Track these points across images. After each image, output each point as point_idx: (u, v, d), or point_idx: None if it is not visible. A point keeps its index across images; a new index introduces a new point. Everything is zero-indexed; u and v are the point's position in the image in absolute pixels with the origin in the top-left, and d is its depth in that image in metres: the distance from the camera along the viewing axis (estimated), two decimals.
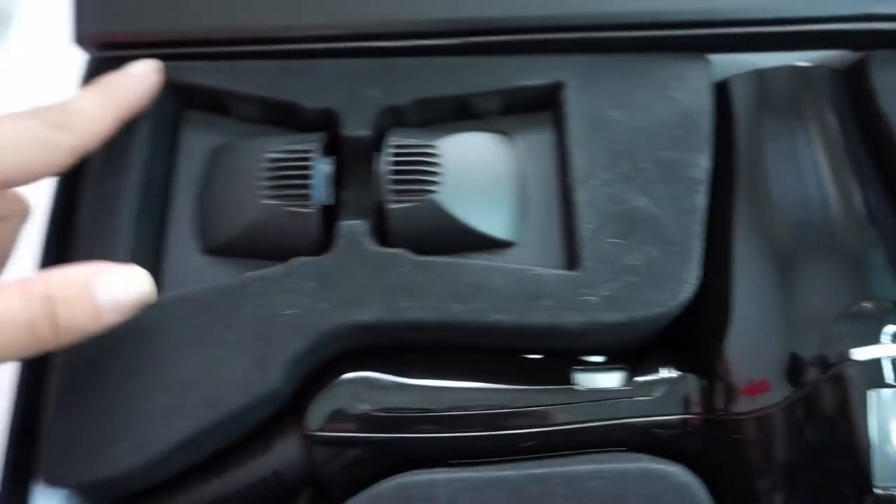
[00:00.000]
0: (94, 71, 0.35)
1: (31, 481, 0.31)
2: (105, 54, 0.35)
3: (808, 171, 0.32)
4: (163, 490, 0.32)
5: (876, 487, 0.26)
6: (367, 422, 0.31)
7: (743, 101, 0.34)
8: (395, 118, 0.35)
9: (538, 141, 0.35)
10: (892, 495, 0.26)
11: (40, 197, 0.33)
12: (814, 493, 0.28)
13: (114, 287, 0.27)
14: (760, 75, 0.34)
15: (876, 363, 0.27)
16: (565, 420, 0.31)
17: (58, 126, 0.29)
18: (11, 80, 0.48)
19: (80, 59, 0.36)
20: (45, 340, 0.26)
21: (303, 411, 0.31)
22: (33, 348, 0.26)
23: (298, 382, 0.32)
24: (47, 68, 0.44)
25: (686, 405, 0.31)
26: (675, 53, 0.34)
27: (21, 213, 0.32)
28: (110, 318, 0.27)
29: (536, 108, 0.35)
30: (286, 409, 0.32)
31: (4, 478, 0.30)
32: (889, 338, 0.28)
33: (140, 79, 0.33)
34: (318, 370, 0.32)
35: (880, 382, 0.27)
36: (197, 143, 0.36)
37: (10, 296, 0.25)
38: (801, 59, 0.34)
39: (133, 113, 0.33)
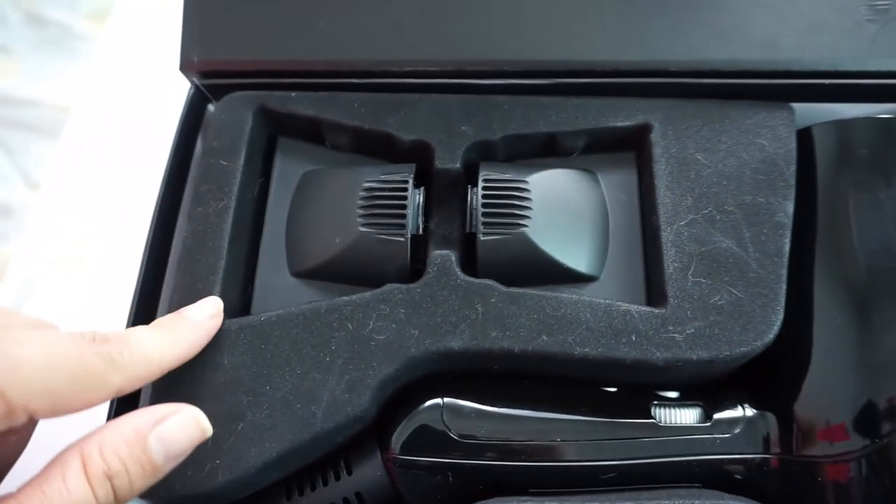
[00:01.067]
0: (197, 97, 0.37)
1: None
2: (207, 82, 0.36)
3: (889, 218, 0.33)
4: None
5: None
6: (451, 447, 0.31)
7: (824, 149, 0.35)
8: (483, 152, 0.36)
9: (621, 179, 0.36)
10: None
11: (142, 219, 0.35)
12: None
13: (170, 439, 0.26)
14: (842, 125, 0.35)
15: None
16: (644, 454, 0.31)
17: (112, 364, 0.26)
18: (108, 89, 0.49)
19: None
20: None
21: (387, 434, 0.32)
22: None
23: (383, 405, 0.33)
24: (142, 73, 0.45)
25: (764, 444, 0.31)
26: (761, 101, 0.35)
27: (34, 423, 0.28)
28: (170, 467, 0.27)
29: (620, 147, 0.37)
30: (369, 430, 0.33)
31: None
32: None
33: (203, 325, 0.31)
34: (402, 394, 0.33)
35: None
36: (288, 169, 0.38)
37: (76, 480, 0.24)
38: (882, 111, 0.35)
39: (184, 362, 0.31)
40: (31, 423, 0.27)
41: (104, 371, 0.26)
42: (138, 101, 0.46)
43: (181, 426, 0.27)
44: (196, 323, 0.31)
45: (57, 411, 0.25)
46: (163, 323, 0.30)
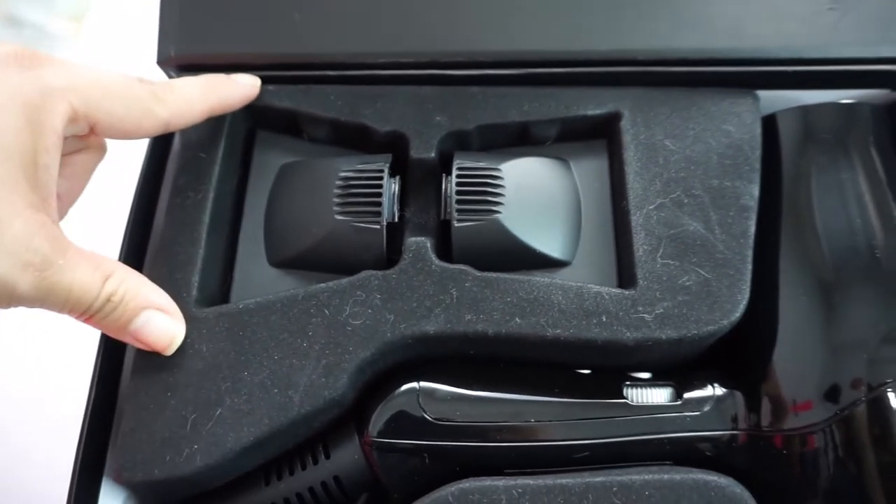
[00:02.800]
0: None
1: (101, 479, 0.32)
2: (185, 76, 0.37)
3: (851, 200, 0.33)
4: (225, 492, 0.33)
5: None
6: (427, 430, 0.32)
7: (789, 134, 0.35)
8: (458, 142, 0.37)
9: (593, 166, 0.37)
10: None
11: (120, 210, 0.35)
12: None
13: (151, 330, 0.30)
14: (806, 111, 0.36)
15: None
16: (616, 433, 0.32)
17: (157, 97, 0.31)
18: None
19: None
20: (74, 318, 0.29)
21: (364, 418, 0.32)
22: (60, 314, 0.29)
23: (360, 389, 0.33)
24: None
25: (732, 421, 0.32)
26: (726, 89, 0.36)
27: (100, 146, 0.33)
28: (126, 340, 0.31)
29: (592, 135, 0.37)
30: (346, 415, 0.33)
31: (74, 474, 0.31)
32: None
33: (239, 86, 0.35)
34: (379, 379, 0.34)
35: None
36: (267, 161, 0.38)
37: (92, 279, 0.28)
38: (844, 96, 0.36)
39: (223, 111, 0.35)
40: (97, 148, 0.33)
41: (150, 101, 0.31)
42: None
43: (167, 328, 0.31)
44: (233, 79, 0.35)
45: (114, 127, 0.30)
46: (205, 76, 0.34)
